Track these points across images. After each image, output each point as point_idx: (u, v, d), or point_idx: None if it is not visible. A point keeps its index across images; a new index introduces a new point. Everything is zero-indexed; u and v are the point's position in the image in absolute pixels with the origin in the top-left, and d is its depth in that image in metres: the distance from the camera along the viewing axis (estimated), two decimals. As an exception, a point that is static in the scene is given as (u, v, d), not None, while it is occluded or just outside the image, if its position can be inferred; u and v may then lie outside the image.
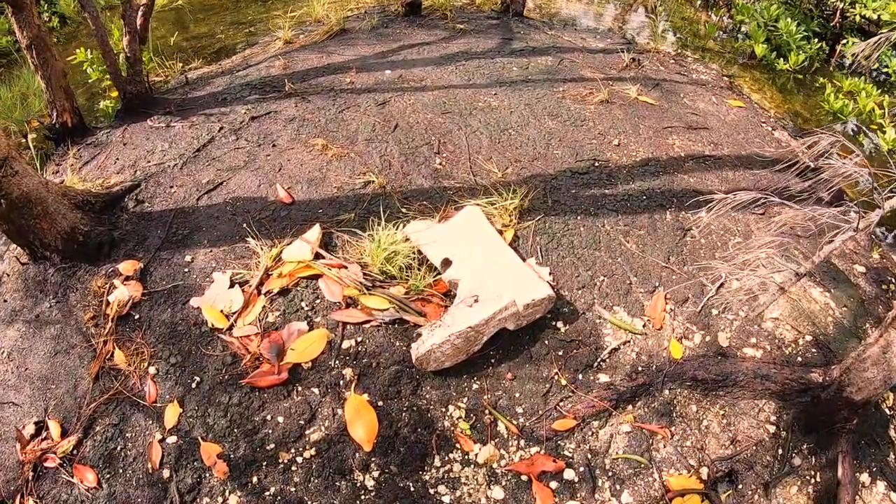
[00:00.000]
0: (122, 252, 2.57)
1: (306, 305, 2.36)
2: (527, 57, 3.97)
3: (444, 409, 2.16)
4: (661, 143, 3.28)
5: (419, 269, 2.38)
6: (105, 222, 2.70)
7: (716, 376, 2.33)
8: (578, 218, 2.66)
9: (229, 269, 2.48)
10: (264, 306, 2.36)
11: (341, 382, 2.19)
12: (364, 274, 2.44)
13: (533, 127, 3.22)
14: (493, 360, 2.21)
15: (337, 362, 2.23)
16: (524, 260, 2.45)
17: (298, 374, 2.20)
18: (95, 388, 2.21)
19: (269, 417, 2.13)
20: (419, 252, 2.45)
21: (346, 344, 2.27)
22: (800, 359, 2.39)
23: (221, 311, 2.31)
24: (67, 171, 3.05)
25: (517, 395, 2.15)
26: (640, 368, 2.24)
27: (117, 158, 3.07)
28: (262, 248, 2.51)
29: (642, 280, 2.48)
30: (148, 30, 3.33)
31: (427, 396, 2.19)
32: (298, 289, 2.40)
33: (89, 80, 3.88)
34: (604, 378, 2.20)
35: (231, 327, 2.28)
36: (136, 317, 2.36)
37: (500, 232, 2.54)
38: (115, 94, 3.61)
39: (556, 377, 2.16)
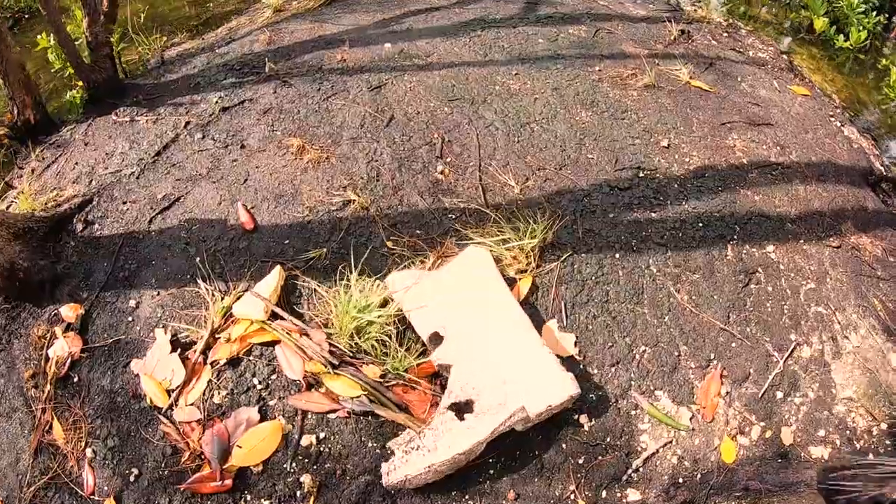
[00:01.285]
0: (66, 290, 2.00)
1: (259, 382, 1.78)
2: (556, 26, 3.06)
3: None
4: (720, 144, 2.49)
5: (399, 344, 1.77)
6: (49, 252, 2.10)
7: (772, 486, 1.75)
8: (616, 256, 1.99)
9: (175, 321, 1.90)
10: (210, 381, 1.77)
11: (298, 494, 1.65)
12: (331, 344, 1.82)
13: (562, 120, 2.45)
14: (491, 471, 1.65)
15: (294, 465, 1.68)
16: (543, 324, 1.82)
17: (247, 479, 1.66)
18: (35, 467, 1.73)
19: None
20: (401, 316, 1.84)
21: (305, 440, 1.69)
22: (871, 456, 1.79)
23: (162, 383, 1.77)
24: (24, 179, 2.44)
25: (526, 509, 1.63)
26: (681, 480, 1.67)
27: (76, 163, 2.42)
28: (212, 296, 1.91)
29: (694, 350, 1.85)
30: (117, 6, 2.56)
31: None
32: (251, 358, 1.81)
33: (53, 69, 3.14)
34: (634, 496, 1.64)
35: (172, 407, 1.74)
36: (75, 379, 1.83)
37: (514, 282, 1.90)
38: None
39: (572, 497, 1.61)
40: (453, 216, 2.14)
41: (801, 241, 2.22)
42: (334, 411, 1.78)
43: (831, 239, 2.27)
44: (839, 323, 2.04)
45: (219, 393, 1.80)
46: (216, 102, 2.56)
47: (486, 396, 1.58)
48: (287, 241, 2.11)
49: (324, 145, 2.33)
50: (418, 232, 2.10)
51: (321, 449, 1.73)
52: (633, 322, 1.86)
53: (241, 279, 1.96)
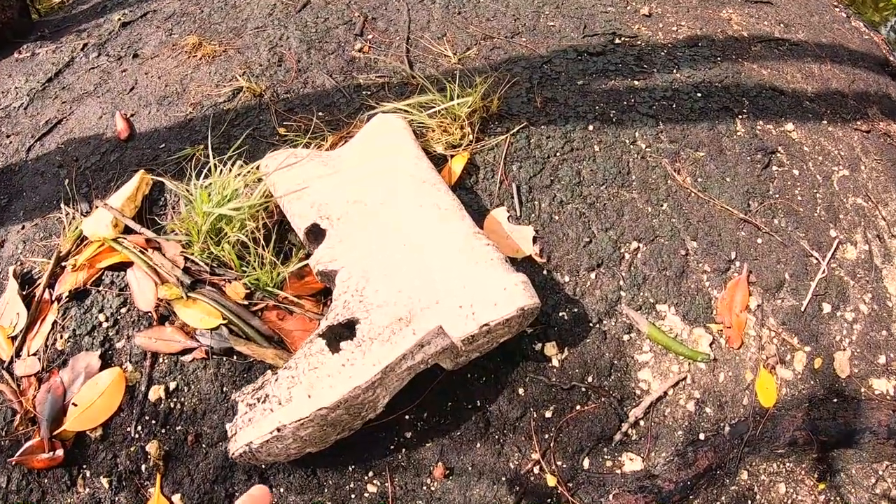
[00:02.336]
0: None
1: (107, 319, 1.12)
2: None
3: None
4: (712, 16, 1.89)
5: (276, 249, 1.11)
6: None
7: (829, 438, 1.15)
8: (590, 128, 1.35)
9: (34, 255, 1.22)
10: (55, 321, 1.13)
11: (143, 468, 1.00)
12: (188, 259, 1.15)
13: (513, -19, 1.80)
14: (409, 434, 0.99)
15: (139, 429, 1.03)
16: (486, 214, 1.17)
17: (85, 448, 1.03)
18: None
19: None
20: (275, 209, 1.16)
21: (153, 393, 1.06)
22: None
23: (7, 329, 1.08)
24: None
25: None
26: (701, 435, 1.05)
27: (-25, 110, 1.68)
28: (69, 219, 1.24)
29: (707, 247, 1.22)
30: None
31: None
32: (101, 288, 1.15)
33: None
34: (633, 464, 1.00)
35: (14, 359, 1.05)
36: None
37: (442, 161, 1.24)
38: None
39: (536, 469, 0.96)
40: (368, 93, 1.46)
41: (825, 121, 1.63)
42: (189, 351, 1.10)
43: (859, 122, 1.69)
44: (884, 219, 1.45)
45: (63, 335, 1.11)
46: (118, 20, 1.89)
47: (380, 314, 0.90)
48: (163, 146, 1.41)
49: (224, 39, 1.63)
50: (320, 114, 1.41)
51: (171, 405, 1.06)
52: (618, 210, 1.21)
53: (108, 195, 1.26)
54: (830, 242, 1.34)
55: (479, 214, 1.17)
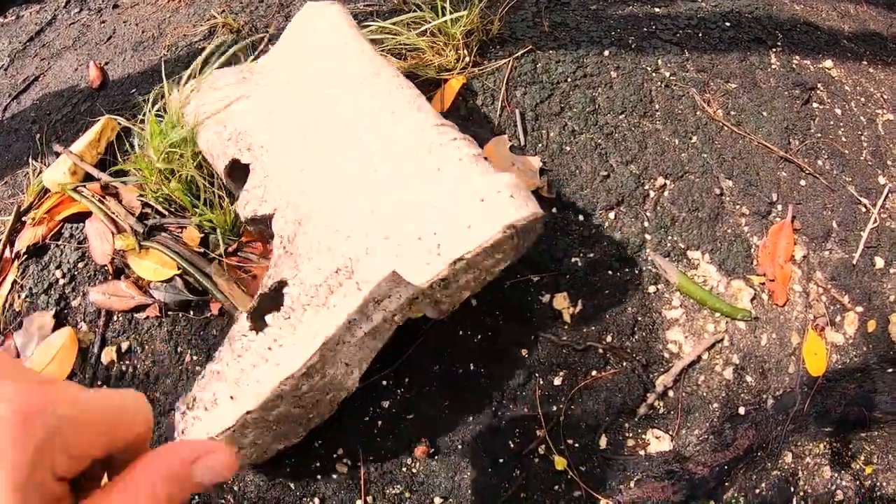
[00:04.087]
0: None
1: (64, 275, 0.92)
2: None
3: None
4: (735, -51, 1.62)
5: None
6: None
7: (885, 415, 0.92)
8: (606, 54, 1.09)
9: (1, 213, 0.98)
10: (15, 281, 0.92)
11: None
12: (145, 204, 0.92)
13: None
14: (386, 402, 0.76)
15: None
16: (485, 143, 0.92)
17: None
18: None
19: None
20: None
21: (107, 355, 0.85)
22: None
23: None
24: None
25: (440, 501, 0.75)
26: (741, 409, 0.82)
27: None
28: (36, 173, 1.01)
29: (745, 187, 0.98)
30: None
31: (239, 489, 0.78)
32: (60, 243, 0.94)
33: None
34: (660, 443, 0.76)
35: None
36: None
37: (435, 86, 0.99)
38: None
39: (540, 450, 0.73)
40: (356, 20, 1.21)
41: (864, 62, 1.37)
42: (143, 307, 0.87)
43: (898, 66, 1.44)
44: (934, 167, 1.22)
45: (19, 296, 0.89)
46: None
47: (311, 268, 0.64)
48: (134, 90, 1.16)
49: None
50: None
51: (124, 368, 0.85)
52: (640, 142, 0.97)
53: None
54: (880, 189, 1.09)
55: (477, 143, 0.93)
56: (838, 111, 1.20)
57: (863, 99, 1.28)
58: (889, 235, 1.05)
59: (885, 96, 1.33)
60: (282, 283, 0.66)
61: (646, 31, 1.17)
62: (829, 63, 1.29)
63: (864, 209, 1.06)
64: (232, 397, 0.59)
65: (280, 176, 0.73)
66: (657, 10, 1.24)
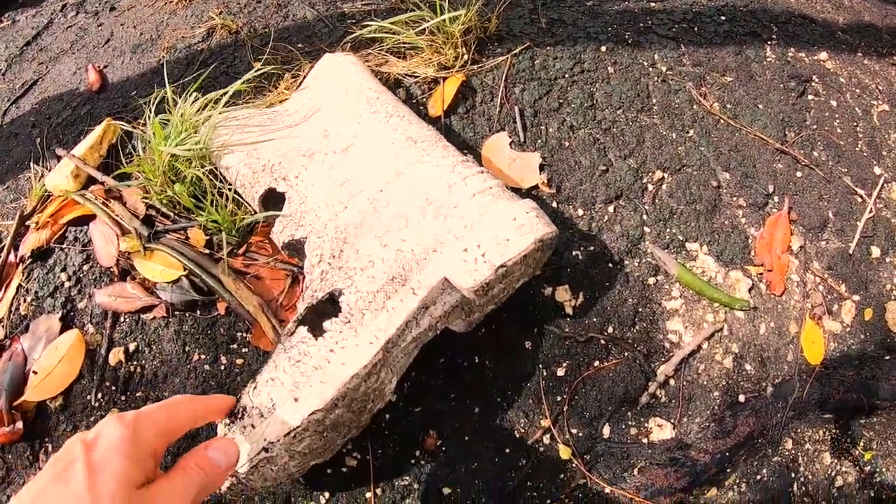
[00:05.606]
0: None
1: (69, 278, 0.91)
2: None
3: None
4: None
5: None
6: None
7: (883, 401, 0.92)
8: (603, 49, 1.09)
9: (3, 218, 0.99)
10: (20, 285, 0.92)
11: None
12: (150, 206, 0.92)
13: None
14: (393, 395, 0.75)
15: (99, 397, 0.83)
16: (484, 140, 0.92)
17: (46, 420, 0.84)
18: None
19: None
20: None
21: (115, 356, 0.85)
22: None
23: None
24: None
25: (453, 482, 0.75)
26: (741, 397, 0.82)
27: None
28: (38, 177, 1.01)
29: (741, 179, 0.98)
30: None
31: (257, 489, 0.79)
32: (64, 246, 0.93)
33: None
34: (662, 431, 0.77)
35: None
36: None
37: (434, 84, 0.99)
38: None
39: (545, 439, 0.74)
40: (353, 21, 1.20)
41: (860, 54, 1.37)
42: (150, 308, 0.87)
43: (895, 58, 1.43)
44: (931, 157, 1.21)
45: (25, 300, 0.89)
46: None
47: (366, 278, 0.67)
48: (134, 93, 1.15)
49: None
50: (300, 45, 1.15)
51: (132, 368, 0.85)
52: (637, 136, 0.97)
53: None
54: (875, 180, 1.09)
55: (476, 141, 0.92)
56: (833, 103, 1.19)
57: (858, 90, 1.27)
58: (885, 225, 1.05)
59: (881, 87, 1.32)
60: (335, 294, 0.68)
61: (642, 27, 1.17)
62: (823, 55, 1.29)
63: (860, 199, 1.06)
64: (296, 399, 0.59)
65: (315, 200, 0.77)
66: (653, 5, 1.24)
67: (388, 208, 0.74)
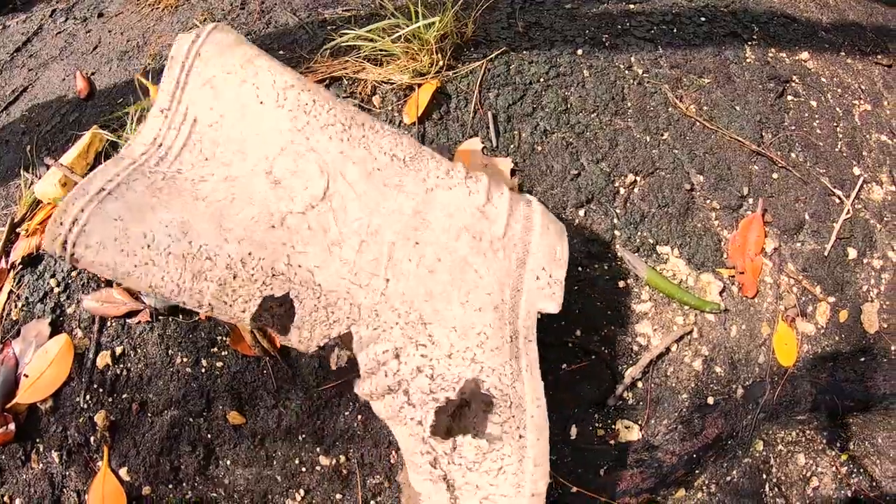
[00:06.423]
0: None
1: (58, 284, 0.93)
2: None
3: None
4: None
5: None
6: None
7: (856, 403, 0.92)
8: (579, 53, 1.08)
9: None
10: (11, 291, 0.94)
11: (92, 440, 0.83)
12: None
13: None
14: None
15: (88, 398, 0.86)
16: (457, 146, 0.92)
17: (37, 421, 0.86)
18: None
19: (8, 498, 0.85)
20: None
21: (102, 360, 0.87)
22: None
23: None
24: None
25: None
26: (710, 399, 0.82)
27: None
28: (28, 184, 1.03)
29: (715, 182, 0.97)
30: None
31: (229, 482, 0.80)
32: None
33: None
34: (629, 433, 0.77)
35: None
36: None
37: (406, 91, 0.99)
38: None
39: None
40: (333, 27, 1.21)
41: (842, 53, 1.36)
42: (135, 313, 0.89)
43: (879, 56, 1.41)
44: (913, 156, 1.20)
45: (16, 305, 0.92)
46: None
47: (488, 352, 0.60)
48: (121, 100, 1.18)
49: None
50: (282, 52, 1.16)
51: (118, 371, 0.87)
52: (611, 139, 0.97)
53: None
54: (854, 181, 1.09)
55: (450, 147, 0.93)
56: (813, 103, 1.18)
57: (840, 90, 1.26)
58: (862, 226, 1.05)
59: (863, 87, 1.31)
60: (475, 386, 0.60)
61: (620, 29, 1.17)
62: (805, 55, 1.27)
63: (837, 201, 1.05)
64: (519, 487, 0.57)
65: (342, 286, 0.61)
66: (632, 6, 1.23)
67: (440, 262, 0.63)
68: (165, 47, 1.28)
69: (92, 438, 0.84)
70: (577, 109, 0.98)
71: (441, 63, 1.01)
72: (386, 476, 0.79)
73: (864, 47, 1.43)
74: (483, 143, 0.92)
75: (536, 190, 0.89)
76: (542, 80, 1.02)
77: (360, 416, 0.80)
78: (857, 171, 1.12)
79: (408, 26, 0.98)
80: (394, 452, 0.80)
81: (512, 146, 0.92)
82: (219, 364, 0.86)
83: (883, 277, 1.01)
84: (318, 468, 0.81)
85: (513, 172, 0.89)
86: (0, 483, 0.85)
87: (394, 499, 0.78)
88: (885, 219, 1.09)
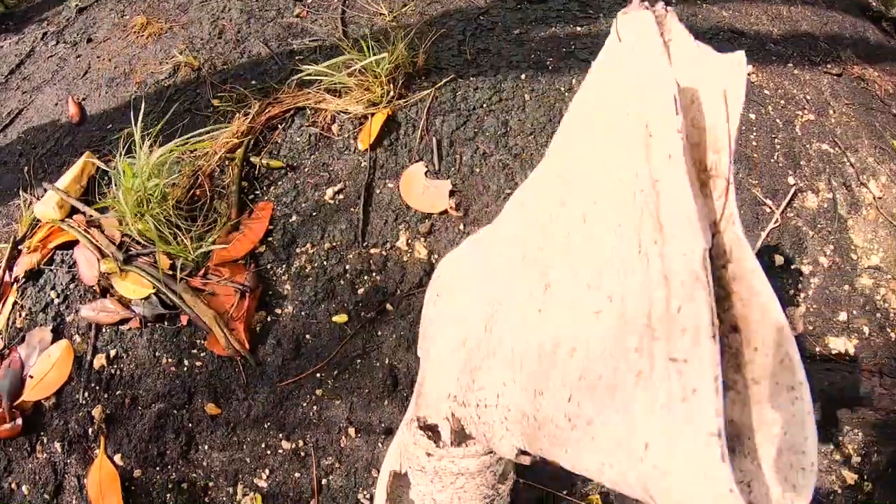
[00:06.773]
0: None
1: (58, 295, 1.08)
2: None
3: (231, 489, 0.91)
4: (677, -43, 1.67)
5: (203, 219, 1.02)
6: None
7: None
8: (523, 77, 1.18)
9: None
10: (15, 302, 1.10)
11: (90, 432, 0.97)
12: (125, 235, 1.08)
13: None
14: (319, 390, 0.90)
15: (86, 395, 1.00)
16: (403, 170, 1.02)
17: (41, 417, 1.01)
18: None
19: (15, 485, 0.98)
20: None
21: (97, 361, 1.01)
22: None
23: None
24: None
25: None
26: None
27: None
28: (27, 204, 1.20)
29: (639, 196, 1.07)
30: None
31: (206, 464, 0.94)
32: (53, 267, 1.11)
33: None
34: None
35: None
36: None
37: (361, 119, 1.10)
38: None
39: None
40: (300, 57, 1.33)
41: (790, 64, 1.42)
42: (126, 320, 1.04)
43: (829, 66, 1.46)
44: (852, 166, 1.26)
45: (20, 315, 1.08)
46: (75, 5, 1.78)
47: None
48: (110, 126, 1.33)
49: (170, 16, 1.51)
50: (253, 82, 1.29)
51: (112, 371, 1.02)
52: (544, 160, 1.07)
53: (60, 178, 1.23)
54: (787, 190, 1.16)
55: (397, 172, 1.04)
56: (752, 116, 1.25)
57: (783, 101, 1.32)
58: (792, 233, 1.12)
59: (808, 97, 1.37)
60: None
61: (564, 52, 1.26)
62: (749, 69, 1.34)
63: (768, 210, 1.12)
64: None
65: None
66: (579, 28, 1.32)
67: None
68: (150, 75, 1.42)
69: (90, 430, 0.99)
70: (515, 132, 1.08)
71: (392, 93, 1.13)
72: (337, 458, 0.91)
73: (815, 57, 1.48)
74: (427, 167, 1.03)
75: (473, 209, 1.00)
76: (485, 105, 1.12)
77: (315, 408, 0.93)
78: (791, 180, 1.19)
79: (361, 62, 1.10)
80: (343, 437, 0.93)
81: (453, 169, 1.03)
82: (198, 363, 0.99)
83: (812, 282, 1.09)
84: (280, 451, 0.94)
85: (451, 193, 1.00)
86: (8, 472, 1.01)
87: (344, 477, 0.91)
88: (819, 225, 1.16)
